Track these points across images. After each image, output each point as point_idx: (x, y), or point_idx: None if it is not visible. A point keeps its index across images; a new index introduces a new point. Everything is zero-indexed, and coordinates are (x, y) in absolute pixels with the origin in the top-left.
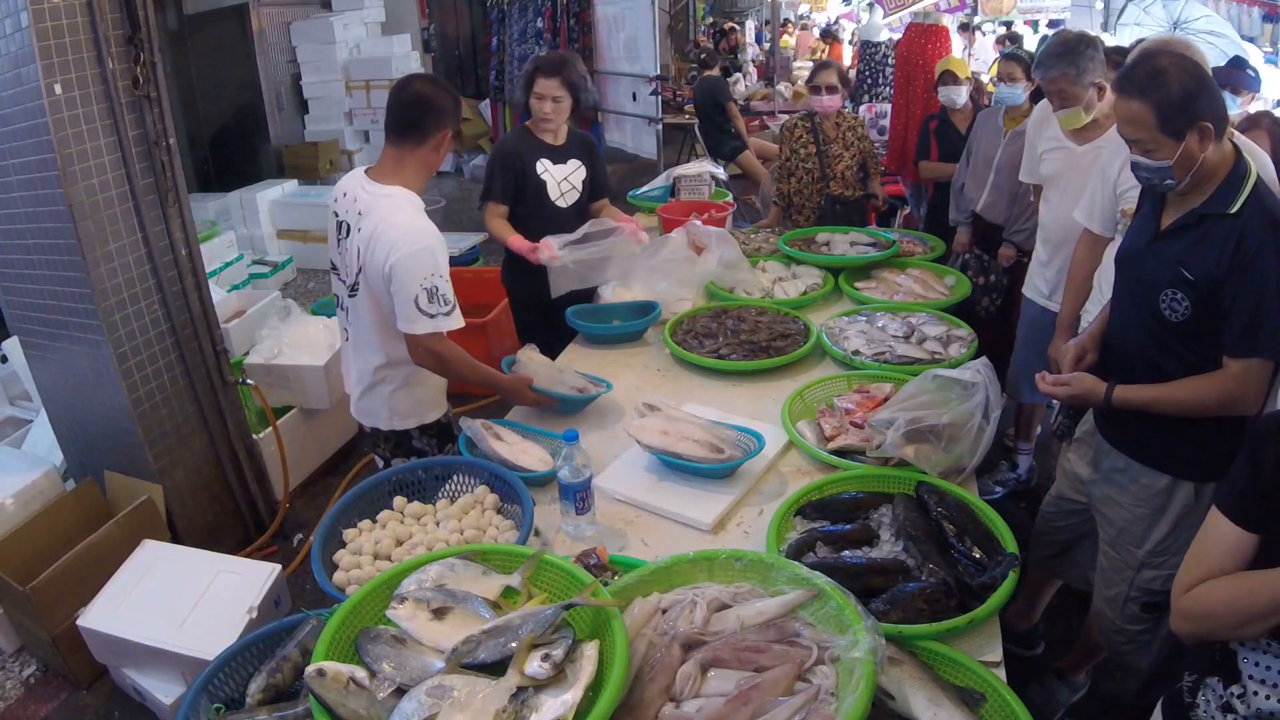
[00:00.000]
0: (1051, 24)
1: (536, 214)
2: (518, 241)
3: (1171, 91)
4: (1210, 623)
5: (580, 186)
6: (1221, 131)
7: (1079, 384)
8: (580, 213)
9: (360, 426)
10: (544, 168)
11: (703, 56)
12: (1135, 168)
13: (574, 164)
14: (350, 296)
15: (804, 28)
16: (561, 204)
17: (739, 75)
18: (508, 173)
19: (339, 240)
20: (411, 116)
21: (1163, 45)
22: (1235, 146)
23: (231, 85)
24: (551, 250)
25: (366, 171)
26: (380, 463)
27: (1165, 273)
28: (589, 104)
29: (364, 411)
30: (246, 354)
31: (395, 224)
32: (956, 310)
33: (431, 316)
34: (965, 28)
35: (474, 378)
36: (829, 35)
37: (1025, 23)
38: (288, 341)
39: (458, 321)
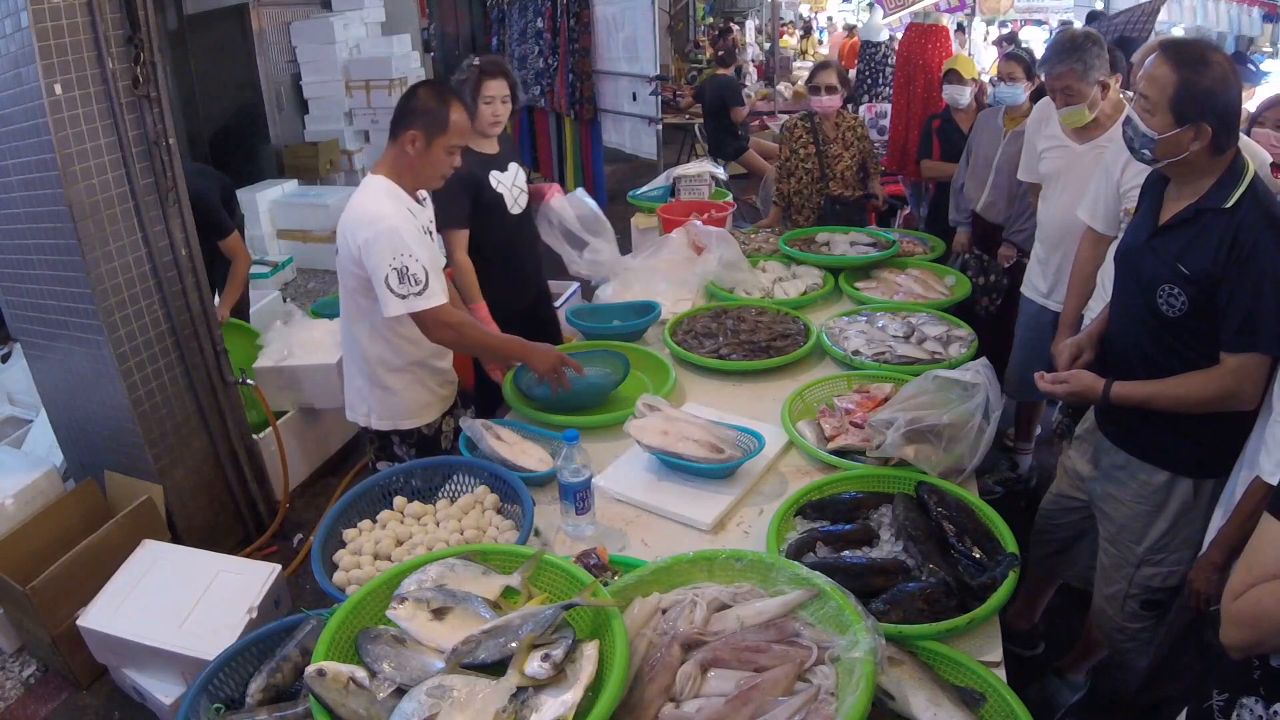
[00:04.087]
0: (1091, 16)
1: (497, 229)
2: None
3: (1202, 80)
4: (1262, 626)
5: (525, 189)
6: (1221, 147)
7: (1077, 381)
8: (530, 216)
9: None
10: (496, 180)
11: (720, 54)
12: (1126, 122)
13: (514, 168)
14: (340, 286)
15: (833, 29)
16: (516, 211)
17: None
18: (466, 195)
19: None
20: (395, 114)
21: (1224, 51)
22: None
23: (231, 85)
24: None
25: (375, 163)
26: (370, 464)
27: (1163, 269)
28: (521, 103)
29: (349, 404)
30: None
31: (362, 208)
32: (956, 310)
33: (403, 297)
34: (961, 28)
35: (492, 345)
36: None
37: (1026, 22)
38: (295, 343)
39: (431, 300)
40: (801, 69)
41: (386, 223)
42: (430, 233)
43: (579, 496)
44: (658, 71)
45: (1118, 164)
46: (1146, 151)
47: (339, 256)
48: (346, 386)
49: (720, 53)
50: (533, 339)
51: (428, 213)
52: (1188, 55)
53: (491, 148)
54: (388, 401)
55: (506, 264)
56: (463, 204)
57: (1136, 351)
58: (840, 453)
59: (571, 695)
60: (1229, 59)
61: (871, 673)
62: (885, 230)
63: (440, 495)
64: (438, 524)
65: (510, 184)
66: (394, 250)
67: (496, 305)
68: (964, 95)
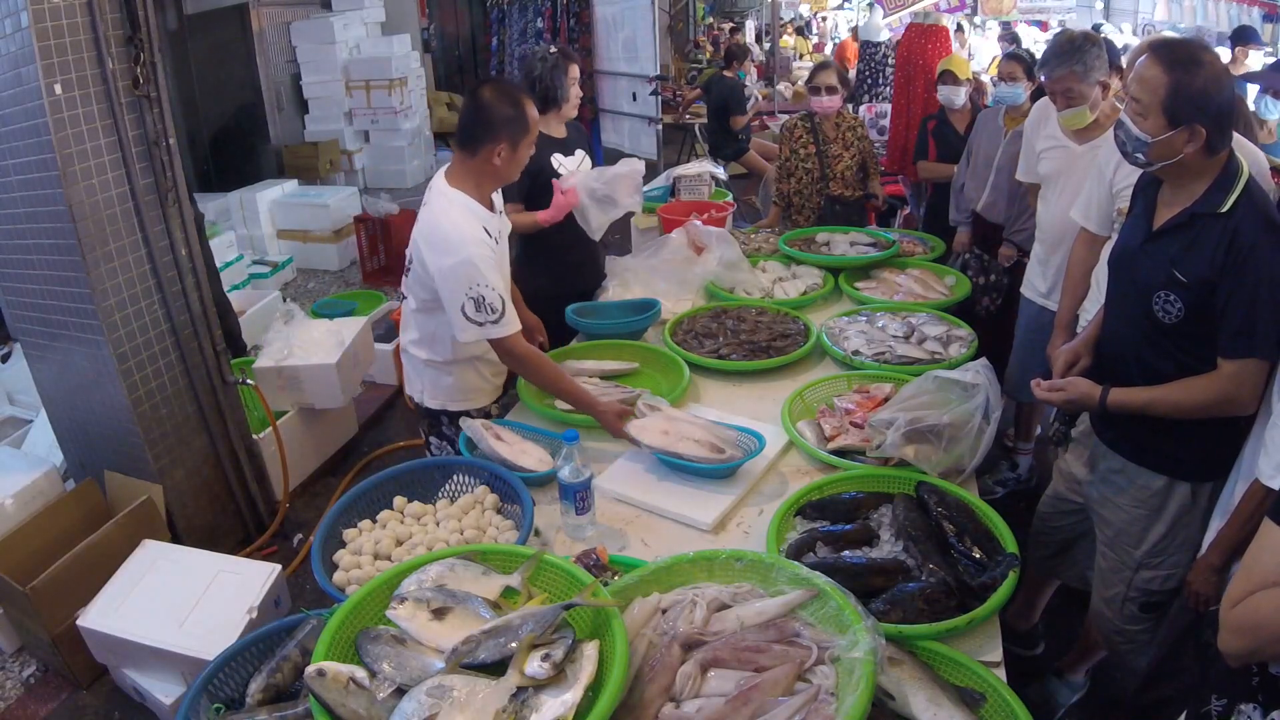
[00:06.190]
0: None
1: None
2: (546, 213)
3: (1194, 81)
4: (1260, 635)
5: None
6: (1214, 148)
7: (1073, 389)
8: None
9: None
10: (558, 161)
11: (725, 53)
12: (1118, 126)
13: (580, 154)
14: (405, 275)
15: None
16: None
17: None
18: (526, 176)
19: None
20: (466, 127)
21: (1216, 52)
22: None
23: (231, 85)
24: (570, 183)
25: (447, 169)
26: (425, 440)
27: (1158, 274)
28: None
29: (407, 379)
30: (246, 353)
31: (442, 229)
32: (956, 310)
33: (480, 325)
34: (960, 28)
35: (558, 389)
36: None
37: (1025, 23)
38: (296, 343)
39: (508, 328)
40: (801, 69)
41: (466, 251)
42: (500, 238)
43: (579, 496)
44: (657, 71)
45: (1110, 164)
46: (1140, 155)
47: (412, 262)
48: (405, 363)
49: (727, 51)
50: (549, 327)
51: (501, 220)
52: (1179, 56)
53: (559, 132)
54: (440, 382)
55: (564, 244)
56: (521, 184)
57: (1132, 356)
58: (840, 453)
59: (571, 695)
60: (1219, 59)
61: (871, 673)
62: (885, 230)
63: (440, 495)
64: (438, 524)
65: (574, 168)
66: (470, 280)
67: (553, 285)
68: (959, 96)
